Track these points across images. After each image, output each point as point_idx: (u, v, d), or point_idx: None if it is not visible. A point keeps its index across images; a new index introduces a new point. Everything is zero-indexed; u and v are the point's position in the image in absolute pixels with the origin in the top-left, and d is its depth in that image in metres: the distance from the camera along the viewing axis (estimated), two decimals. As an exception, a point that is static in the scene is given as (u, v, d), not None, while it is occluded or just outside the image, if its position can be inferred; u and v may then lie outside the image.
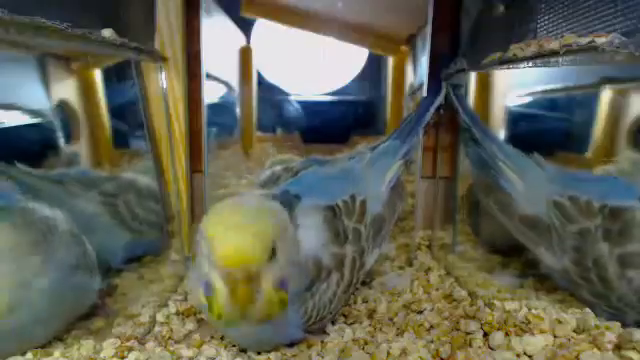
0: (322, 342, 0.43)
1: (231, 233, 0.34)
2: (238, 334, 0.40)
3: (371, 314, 0.49)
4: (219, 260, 0.34)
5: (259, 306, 0.35)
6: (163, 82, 0.61)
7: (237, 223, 0.35)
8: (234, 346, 0.43)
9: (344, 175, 0.51)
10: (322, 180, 0.50)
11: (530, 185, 0.51)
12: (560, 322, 0.41)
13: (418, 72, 0.65)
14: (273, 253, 0.35)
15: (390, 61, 0.68)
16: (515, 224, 0.50)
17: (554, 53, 0.41)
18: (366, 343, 0.42)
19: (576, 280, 0.46)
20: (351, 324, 0.47)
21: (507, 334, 0.41)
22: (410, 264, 0.64)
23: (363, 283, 0.56)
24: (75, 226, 0.45)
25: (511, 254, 0.57)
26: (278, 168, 0.65)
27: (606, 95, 0.53)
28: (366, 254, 0.47)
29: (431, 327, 0.45)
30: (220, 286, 0.35)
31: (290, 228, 0.39)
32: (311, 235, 0.41)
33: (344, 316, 0.48)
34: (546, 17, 0.46)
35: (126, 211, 0.55)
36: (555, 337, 0.41)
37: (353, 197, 0.47)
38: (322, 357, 0.40)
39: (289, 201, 0.43)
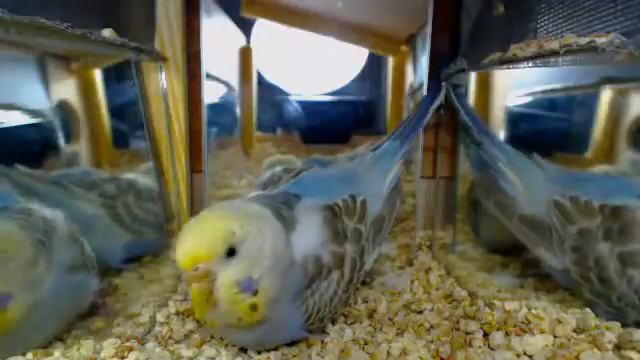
0: (322, 342, 0.43)
1: (184, 236, 0.36)
2: (235, 334, 0.40)
3: (371, 314, 0.49)
4: (176, 263, 0.35)
5: (224, 308, 0.36)
6: (163, 82, 0.61)
7: (195, 226, 0.36)
8: (234, 346, 0.43)
9: (345, 176, 0.51)
10: (323, 181, 0.50)
11: (530, 185, 0.51)
12: (560, 322, 0.41)
13: (418, 72, 0.65)
14: (230, 254, 0.36)
15: (390, 61, 0.68)
16: (515, 224, 0.50)
17: (554, 53, 0.41)
18: (366, 343, 0.42)
19: (577, 280, 0.46)
20: (351, 324, 0.47)
21: (507, 334, 0.41)
22: (410, 264, 0.64)
23: (363, 283, 0.56)
24: (74, 226, 0.45)
25: (511, 254, 0.57)
26: (278, 169, 0.65)
27: (606, 95, 0.53)
28: (366, 254, 0.47)
29: (431, 327, 0.45)
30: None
31: (276, 232, 0.39)
32: (311, 234, 0.41)
33: (344, 316, 0.48)
34: (546, 17, 0.46)
35: (125, 213, 0.55)
36: (555, 337, 0.41)
37: (353, 197, 0.47)
38: (322, 357, 0.40)
39: (289, 201, 0.44)
